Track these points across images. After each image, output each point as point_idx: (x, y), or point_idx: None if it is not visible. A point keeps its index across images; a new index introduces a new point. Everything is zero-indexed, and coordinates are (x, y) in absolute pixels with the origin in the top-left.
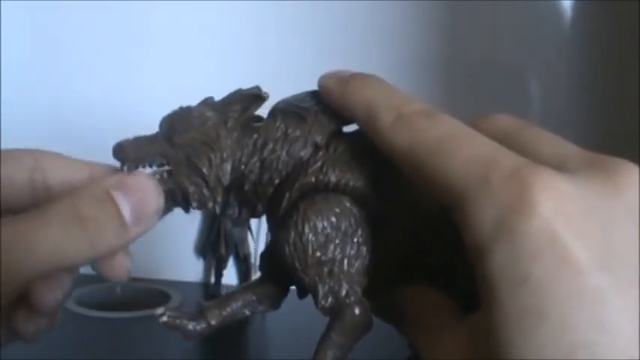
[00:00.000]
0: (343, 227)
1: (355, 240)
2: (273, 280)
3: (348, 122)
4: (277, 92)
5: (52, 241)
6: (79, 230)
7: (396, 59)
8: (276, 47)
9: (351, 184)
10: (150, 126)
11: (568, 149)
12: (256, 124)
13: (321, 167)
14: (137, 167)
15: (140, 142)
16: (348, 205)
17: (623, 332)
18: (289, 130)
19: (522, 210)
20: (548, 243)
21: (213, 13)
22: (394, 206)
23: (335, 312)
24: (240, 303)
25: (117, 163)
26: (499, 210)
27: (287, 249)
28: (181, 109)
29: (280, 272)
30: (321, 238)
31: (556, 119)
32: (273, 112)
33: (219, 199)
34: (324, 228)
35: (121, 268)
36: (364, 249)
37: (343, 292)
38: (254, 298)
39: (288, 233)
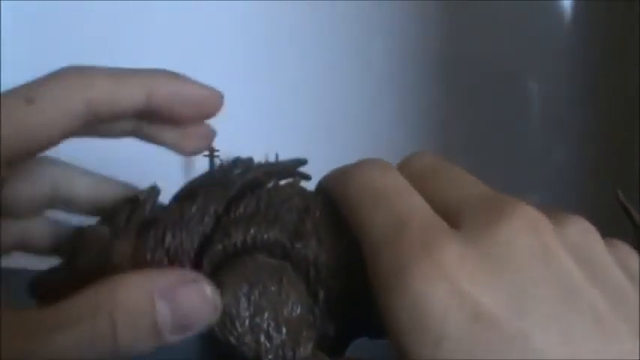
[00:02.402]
0: (264, 285)
1: (284, 294)
2: None
3: (245, 188)
4: (277, 91)
5: (75, 343)
6: (106, 333)
7: (396, 59)
8: (276, 47)
9: (260, 236)
10: None
11: (468, 194)
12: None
13: (225, 230)
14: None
15: None
16: (264, 259)
17: None
18: (184, 210)
19: (425, 273)
20: (456, 301)
21: (214, 14)
22: (320, 253)
23: None
24: None
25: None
26: (403, 271)
27: (215, 327)
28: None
29: None
30: (245, 303)
31: (556, 119)
32: (169, 203)
33: None
34: (244, 291)
35: (199, 140)
36: (296, 301)
37: (291, 354)
38: None
39: None
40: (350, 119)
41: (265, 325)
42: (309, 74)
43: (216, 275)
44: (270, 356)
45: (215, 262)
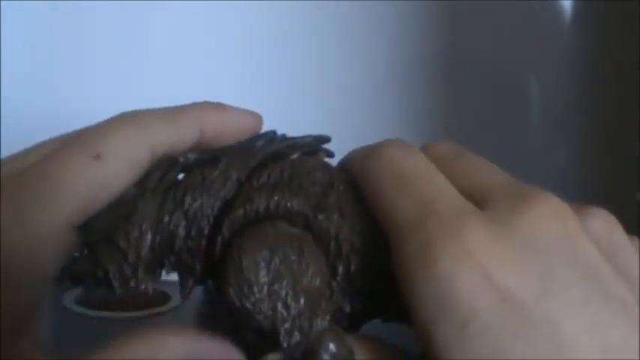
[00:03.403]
0: (285, 252)
1: (304, 264)
2: None
3: (269, 158)
4: (278, 92)
5: None
6: None
7: (396, 59)
8: (276, 48)
9: (284, 204)
10: None
11: (494, 179)
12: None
13: (247, 196)
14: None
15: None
16: (285, 227)
17: (584, 352)
18: (206, 174)
19: (453, 254)
20: (483, 283)
21: (214, 15)
22: (342, 227)
23: (306, 353)
24: None
25: None
26: (430, 252)
27: (231, 292)
28: None
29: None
30: (264, 269)
31: (556, 119)
32: (188, 165)
33: (140, 275)
34: (264, 257)
35: None
36: (315, 272)
37: (307, 324)
38: None
39: (227, 275)
40: (350, 119)
41: (283, 293)
42: (310, 74)
43: (235, 241)
44: (286, 325)
45: (235, 228)
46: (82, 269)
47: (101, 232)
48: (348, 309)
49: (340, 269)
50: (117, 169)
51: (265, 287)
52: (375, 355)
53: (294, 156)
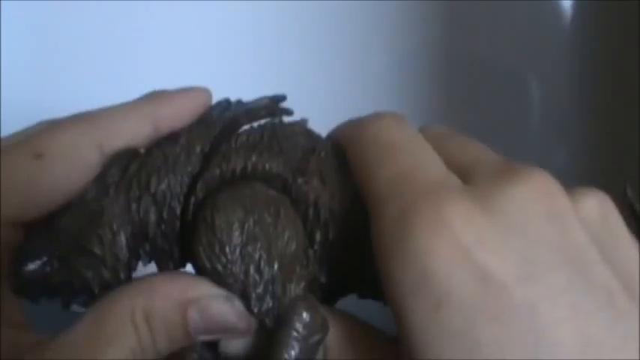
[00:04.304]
0: (260, 214)
1: (280, 227)
2: None
3: (235, 130)
4: (277, 91)
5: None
6: (148, 342)
7: (396, 59)
8: (275, 47)
9: (262, 165)
10: None
11: (484, 156)
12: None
13: (224, 156)
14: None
15: (28, 242)
16: (262, 189)
17: (563, 342)
18: (167, 152)
19: (431, 227)
20: (462, 260)
21: (214, 14)
22: (322, 194)
23: (277, 320)
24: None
25: None
26: (406, 222)
27: (202, 252)
28: None
29: None
30: (238, 230)
31: (556, 119)
32: (148, 150)
33: (122, 276)
34: (238, 217)
35: None
36: (291, 237)
37: (281, 290)
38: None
39: (199, 234)
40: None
41: (257, 256)
42: (309, 73)
43: (208, 200)
44: (258, 290)
45: (209, 188)
46: (56, 280)
47: (70, 240)
48: (323, 280)
49: (318, 237)
50: (60, 169)
51: (238, 249)
52: (348, 333)
53: (276, 120)
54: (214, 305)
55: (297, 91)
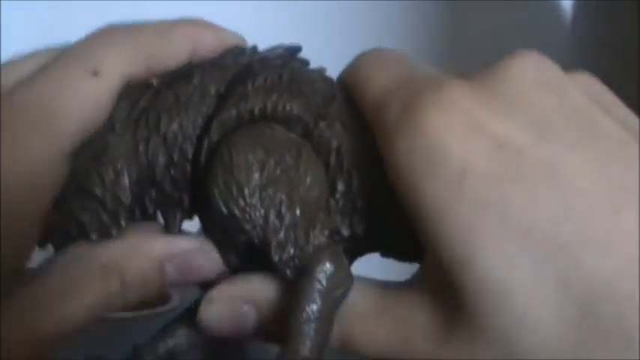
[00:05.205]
0: (281, 155)
1: (302, 171)
2: None
3: (249, 76)
4: None
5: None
6: (117, 293)
7: None
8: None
9: (282, 106)
10: None
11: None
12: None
13: (241, 96)
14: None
15: None
16: (283, 131)
17: (591, 193)
18: (179, 92)
19: (439, 105)
20: (476, 132)
21: (215, 14)
22: (345, 140)
23: (299, 270)
24: (177, 338)
25: None
26: (412, 106)
27: (217, 194)
28: None
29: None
30: (257, 171)
31: None
32: (158, 88)
33: (123, 222)
34: (258, 157)
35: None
36: (314, 181)
37: (303, 238)
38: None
39: (214, 175)
40: None
41: (277, 200)
42: None
43: (225, 140)
44: (279, 237)
45: (225, 130)
46: (50, 226)
47: (72, 180)
48: (346, 232)
49: (340, 186)
50: (112, 87)
51: (257, 191)
52: (380, 297)
53: (295, 65)
54: (192, 261)
55: None
